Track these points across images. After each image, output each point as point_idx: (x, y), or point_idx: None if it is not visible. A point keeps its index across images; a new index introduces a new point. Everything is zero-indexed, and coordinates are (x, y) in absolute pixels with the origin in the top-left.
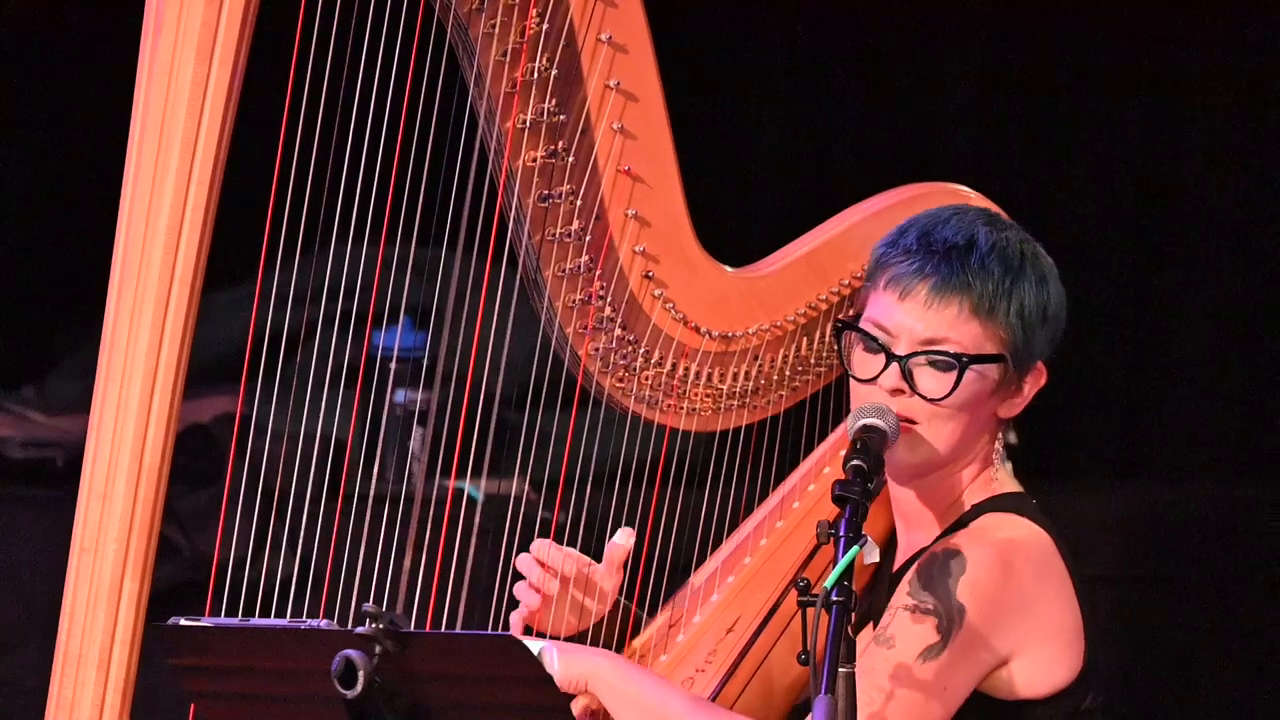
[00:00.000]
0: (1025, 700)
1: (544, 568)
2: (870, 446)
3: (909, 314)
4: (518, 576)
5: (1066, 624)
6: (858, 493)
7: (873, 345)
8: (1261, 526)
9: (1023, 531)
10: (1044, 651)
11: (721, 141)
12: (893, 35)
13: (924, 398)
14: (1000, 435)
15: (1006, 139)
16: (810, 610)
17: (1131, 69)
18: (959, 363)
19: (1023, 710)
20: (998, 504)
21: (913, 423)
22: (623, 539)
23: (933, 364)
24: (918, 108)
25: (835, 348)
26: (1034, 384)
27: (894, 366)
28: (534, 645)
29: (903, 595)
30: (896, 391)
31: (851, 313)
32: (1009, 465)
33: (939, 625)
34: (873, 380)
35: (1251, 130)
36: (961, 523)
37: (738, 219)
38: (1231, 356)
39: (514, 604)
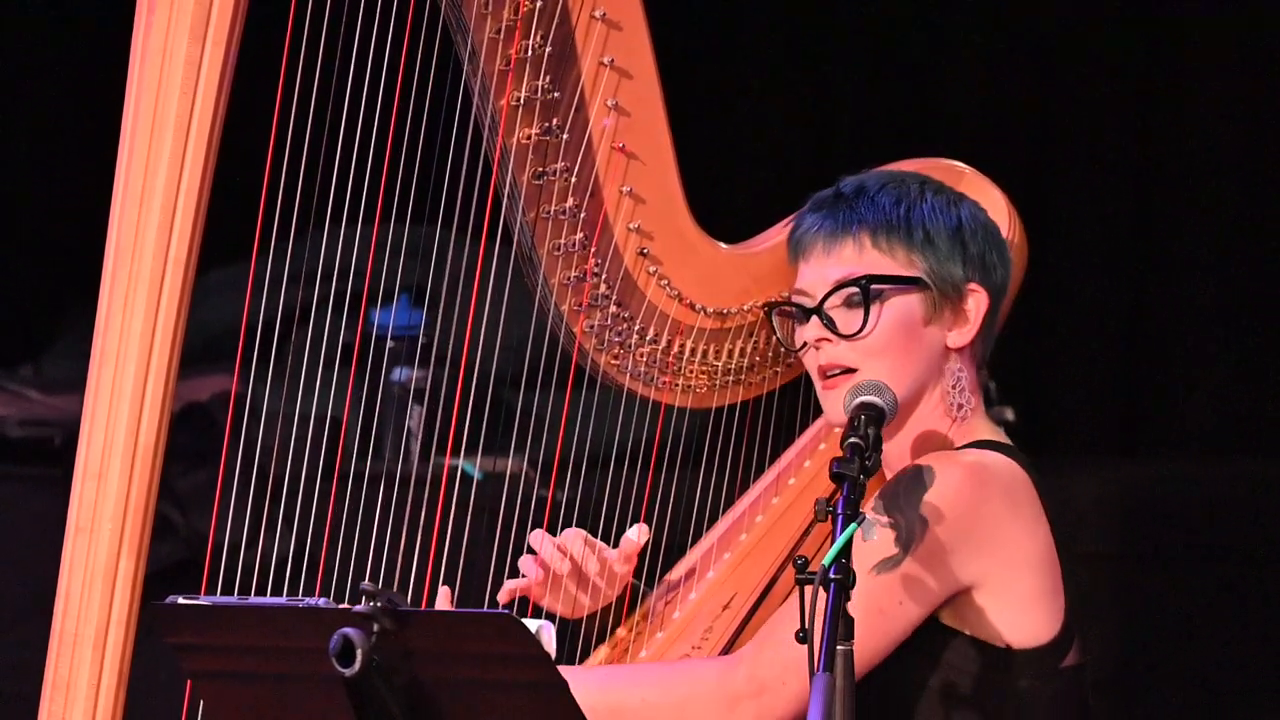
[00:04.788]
0: (1004, 648)
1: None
2: (867, 424)
3: (813, 269)
4: (527, 550)
5: (1041, 560)
6: (855, 470)
7: (796, 313)
8: (1259, 503)
9: (999, 461)
10: (1016, 586)
11: (717, 117)
12: (893, 8)
13: (845, 337)
14: (966, 375)
15: (1008, 115)
16: (808, 588)
17: (1133, 41)
18: (861, 286)
19: (1002, 658)
20: (983, 445)
21: (852, 371)
22: (636, 535)
23: (847, 303)
24: (918, 83)
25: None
26: (978, 308)
27: (813, 319)
28: (531, 624)
29: (866, 509)
30: (821, 340)
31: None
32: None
33: (898, 538)
34: (805, 346)
35: (1251, 108)
36: None
37: (733, 195)
38: (1230, 332)
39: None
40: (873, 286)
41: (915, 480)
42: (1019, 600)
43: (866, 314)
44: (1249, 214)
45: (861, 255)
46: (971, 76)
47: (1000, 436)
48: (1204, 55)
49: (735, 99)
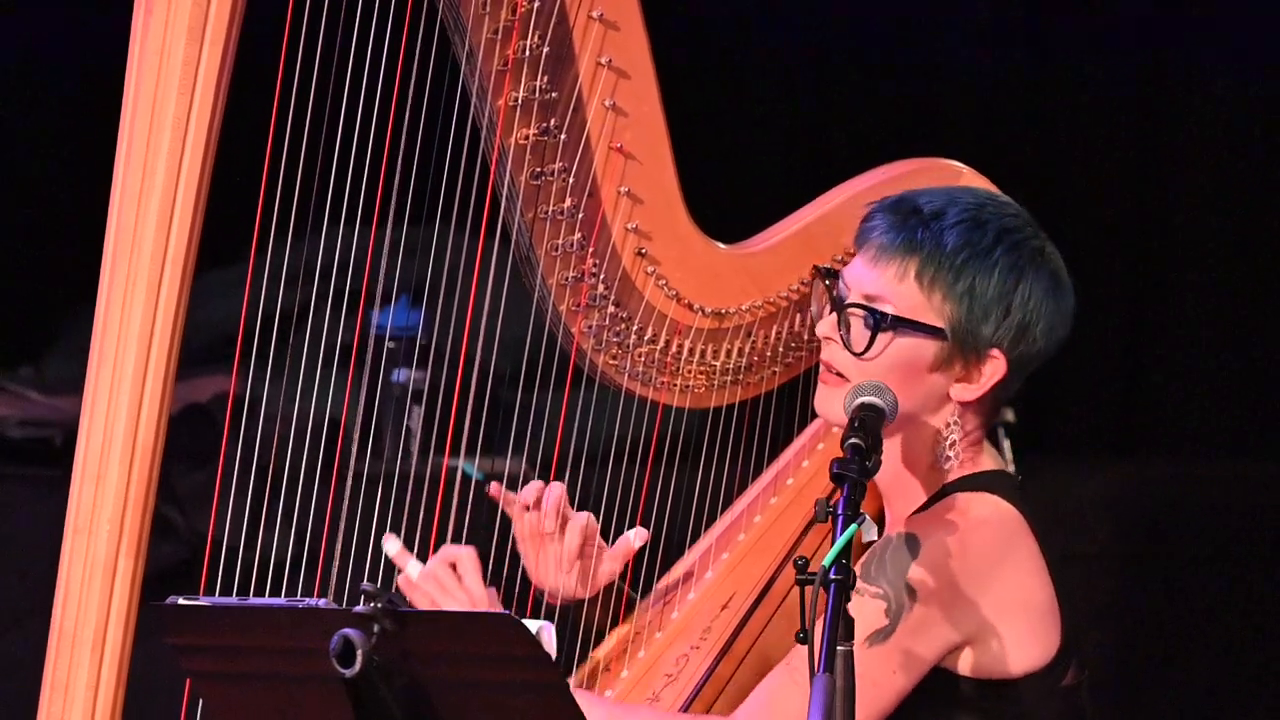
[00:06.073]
0: (1000, 680)
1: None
2: (868, 424)
3: (857, 266)
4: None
5: (1036, 602)
6: (855, 471)
7: (830, 293)
8: (1259, 503)
9: (986, 510)
10: (1011, 631)
11: (715, 117)
12: (890, 8)
13: (849, 349)
14: (963, 427)
15: (1006, 115)
16: (809, 589)
17: (1134, 41)
18: (877, 321)
19: (998, 690)
20: (970, 482)
21: (842, 377)
22: (634, 538)
23: (864, 319)
24: (919, 81)
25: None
26: (992, 374)
27: (834, 314)
28: (532, 625)
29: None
30: (829, 339)
31: None
32: (1006, 443)
33: (888, 609)
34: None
35: (1252, 109)
36: (930, 504)
37: (731, 195)
38: (1230, 333)
39: (510, 581)
40: (887, 322)
41: (899, 548)
42: (1014, 639)
43: (872, 341)
44: (1249, 214)
45: (900, 283)
46: (973, 75)
47: (995, 464)
48: (1204, 54)
49: (734, 97)
